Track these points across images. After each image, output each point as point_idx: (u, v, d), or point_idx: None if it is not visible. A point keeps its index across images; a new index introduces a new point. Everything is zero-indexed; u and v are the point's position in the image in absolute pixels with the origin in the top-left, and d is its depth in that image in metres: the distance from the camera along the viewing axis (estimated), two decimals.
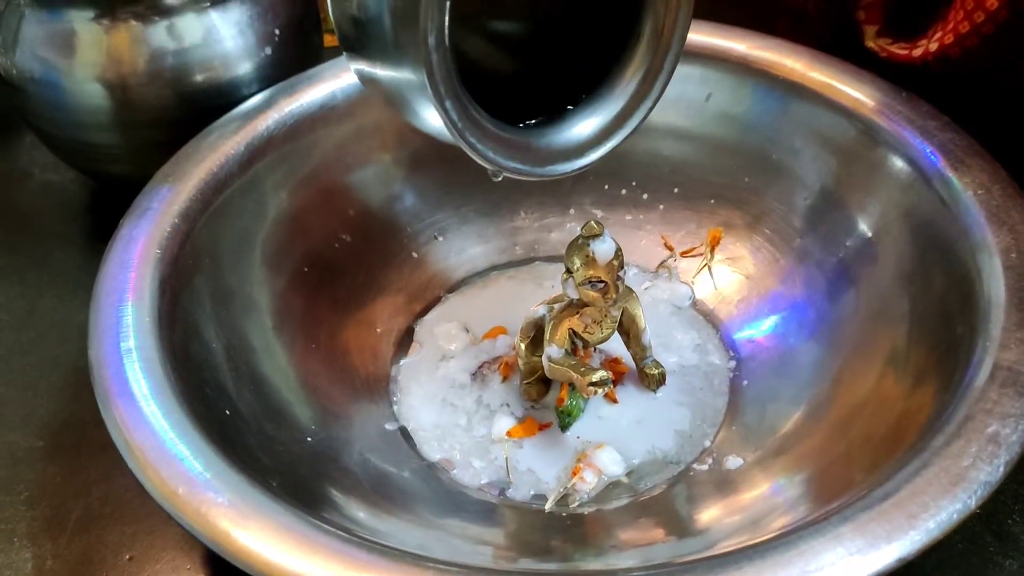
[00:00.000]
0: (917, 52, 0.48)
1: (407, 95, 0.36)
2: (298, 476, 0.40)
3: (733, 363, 0.49)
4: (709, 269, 0.52)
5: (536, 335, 0.46)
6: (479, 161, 0.36)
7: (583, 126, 0.39)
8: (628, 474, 0.44)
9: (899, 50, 0.50)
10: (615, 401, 0.47)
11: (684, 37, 0.38)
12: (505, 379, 0.48)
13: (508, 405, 0.47)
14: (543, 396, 0.47)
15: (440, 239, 0.54)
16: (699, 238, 0.53)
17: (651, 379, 0.47)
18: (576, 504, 0.43)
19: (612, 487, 0.44)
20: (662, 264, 0.53)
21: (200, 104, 0.51)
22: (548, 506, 0.43)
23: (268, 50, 0.53)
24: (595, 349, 0.48)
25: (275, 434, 0.42)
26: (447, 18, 0.32)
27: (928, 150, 0.44)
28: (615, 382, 0.47)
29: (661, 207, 0.54)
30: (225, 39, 0.52)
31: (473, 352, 0.50)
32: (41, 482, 0.45)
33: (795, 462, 0.42)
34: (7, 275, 0.56)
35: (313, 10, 0.57)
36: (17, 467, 0.46)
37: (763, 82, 0.50)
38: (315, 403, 0.45)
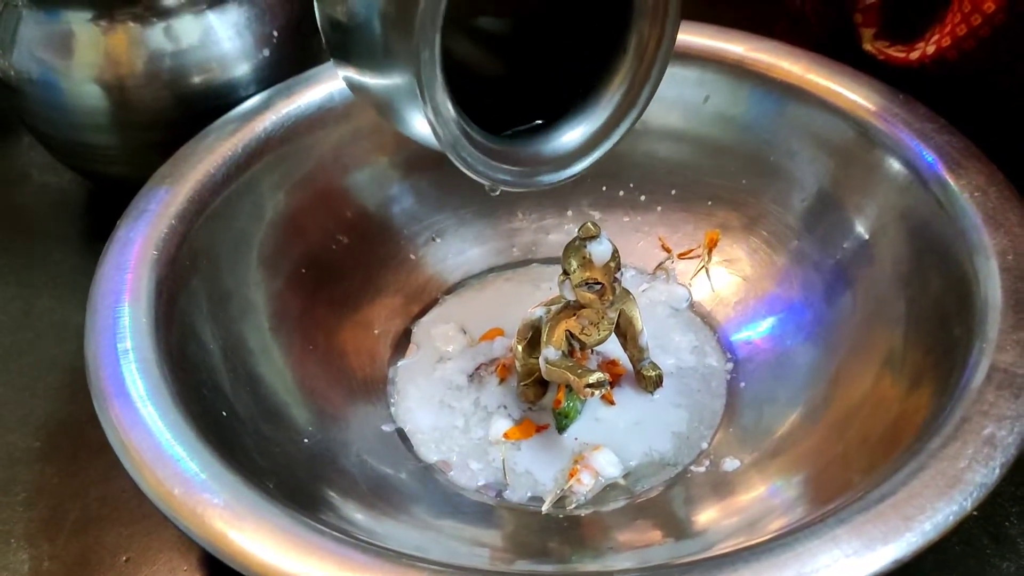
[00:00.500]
0: (914, 55, 0.48)
1: (395, 101, 0.36)
2: (295, 477, 0.40)
3: (730, 365, 0.49)
4: (706, 271, 0.52)
5: (533, 337, 0.46)
6: (464, 171, 0.36)
7: (569, 136, 0.39)
8: (625, 476, 0.44)
9: (896, 53, 0.50)
10: (612, 403, 0.47)
11: (669, 53, 0.39)
12: (502, 381, 0.48)
13: (505, 407, 0.47)
14: (540, 398, 0.47)
15: (437, 241, 0.54)
16: (696, 240, 0.53)
17: (648, 381, 0.47)
18: (573, 506, 0.43)
19: (609, 489, 0.44)
20: (659, 266, 0.53)
21: (198, 106, 0.51)
22: (545, 508, 0.43)
23: (266, 52, 0.53)
24: (592, 351, 0.48)
25: (272, 435, 0.42)
26: (439, 27, 0.32)
27: (925, 152, 0.44)
28: (612, 384, 0.47)
29: (658, 209, 0.54)
30: (223, 41, 0.52)
31: (470, 354, 0.50)
32: (38, 483, 0.45)
33: (792, 464, 0.42)
34: (4, 276, 0.56)
35: (311, 12, 0.57)
36: (14, 468, 0.46)
37: (761, 84, 0.50)
38: (312, 404, 0.45)
